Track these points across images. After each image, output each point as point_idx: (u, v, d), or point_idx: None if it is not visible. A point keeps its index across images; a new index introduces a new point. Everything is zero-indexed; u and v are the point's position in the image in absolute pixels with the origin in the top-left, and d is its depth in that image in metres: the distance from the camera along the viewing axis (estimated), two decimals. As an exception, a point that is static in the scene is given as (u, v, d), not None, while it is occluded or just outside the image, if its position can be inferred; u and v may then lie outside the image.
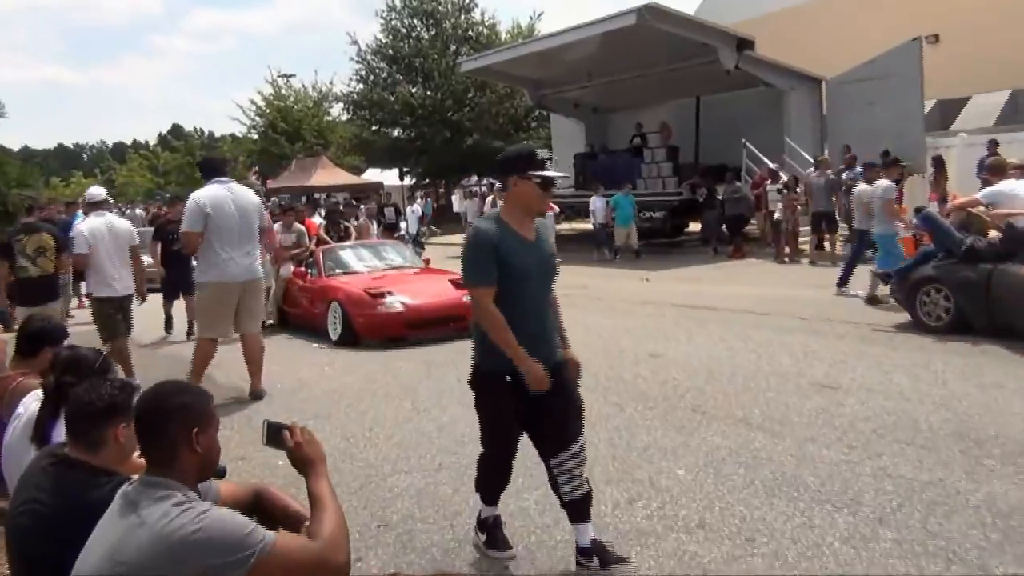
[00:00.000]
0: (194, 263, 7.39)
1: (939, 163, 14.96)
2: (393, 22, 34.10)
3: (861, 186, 10.65)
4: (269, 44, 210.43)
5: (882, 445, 4.94)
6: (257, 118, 38.15)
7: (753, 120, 18.66)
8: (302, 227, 11.84)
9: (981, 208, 8.15)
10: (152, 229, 12.57)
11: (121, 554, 1.94)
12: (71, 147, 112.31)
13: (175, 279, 10.66)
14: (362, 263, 10.92)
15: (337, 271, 10.62)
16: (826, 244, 14.78)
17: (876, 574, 3.42)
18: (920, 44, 15.81)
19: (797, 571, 3.49)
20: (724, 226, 17.17)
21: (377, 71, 34.55)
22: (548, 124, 28.96)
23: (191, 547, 1.91)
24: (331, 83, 40.24)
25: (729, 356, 7.56)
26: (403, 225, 21.76)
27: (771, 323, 9.19)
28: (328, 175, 30.69)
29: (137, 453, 2.27)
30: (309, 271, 10.89)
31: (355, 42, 34.59)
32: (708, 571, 3.53)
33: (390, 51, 33.89)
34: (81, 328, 9.03)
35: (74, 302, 12.57)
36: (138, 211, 28.45)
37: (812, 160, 15.77)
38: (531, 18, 38.62)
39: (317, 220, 13.58)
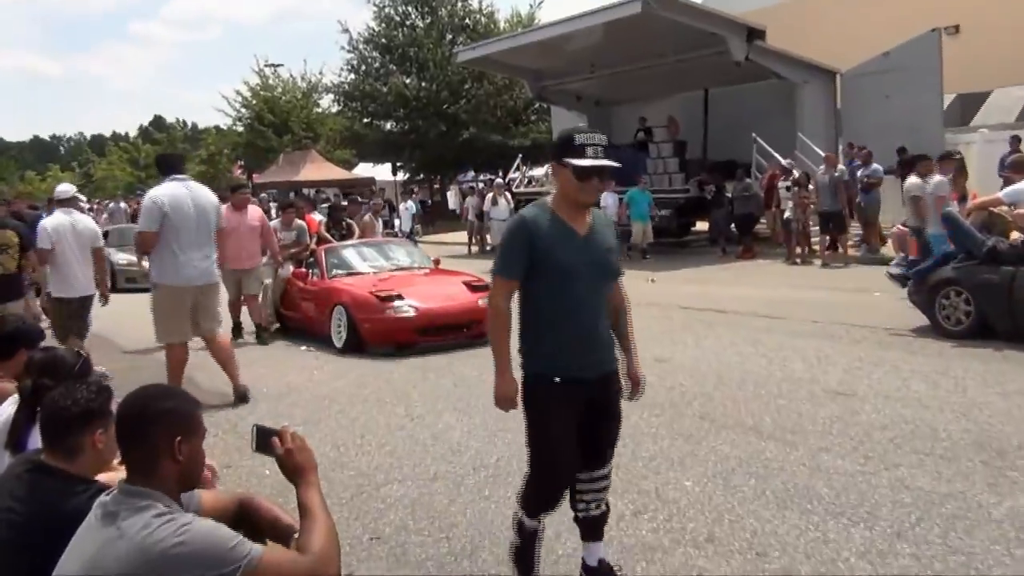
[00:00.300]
0: (145, 264, 7.44)
1: (959, 161, 14.94)
2: (386, 9, 34.09)
3: (913, 180, 10.34)
4: (256, 33, 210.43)
5: (900, 455, 4.93)
6: (243, 109, 38.10)
7: (764, 114, 18.67)
8: (303, 223, 11.54)
9: (1003, 208, 8.15)
10: (135, 225, 12.54)
11: (99, 567, 1.92)
12: (47, 139, 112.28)
13: None
14: (367, 263, 10.59)
15: (340, 272, 10.28)
16: (838, 245, 14.79)
17: (894, 591, 3.42)
18: (939, 35, 15.84)
19: (811, 588, 3.48)
20: (733, 225, 17.18)
21: (369, 61, 34.54)
22: (549, 117, 28.97)
23: (172, 561, 1.89)
24: (321, 73, 40.18)
25: (739, 361, 7.56)
26: (396, 223, 21.77)
27: (783, 326, 9.20)
28: (317, 170, 30.69)
29: (117, 460, 2.25)
30: (311, 272, 10.58)
31: (346, 30, 34.59)
32: (717, 587, 3.52)
33: (383, 40, 33.88)
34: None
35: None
36: (121, 204, 28.41)
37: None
38: (531, 6, 38.81)
39: (317, 217, 13.43)
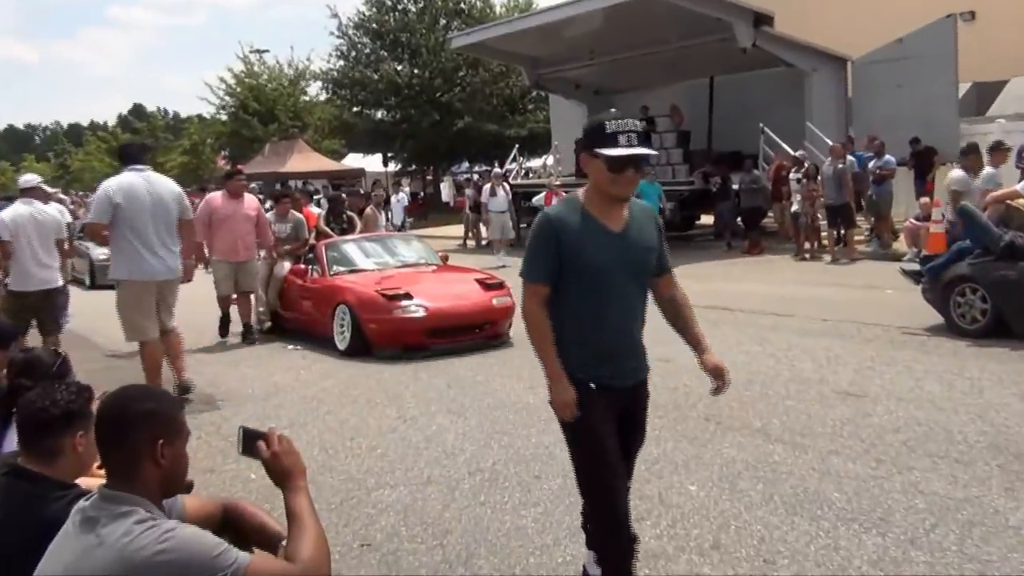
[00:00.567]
0: (103, 253, 7.38)
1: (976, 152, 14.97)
2: (377, -7, 34.10)
3: (956, 172, 10.26)
4: (241, 17, 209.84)
5: (913, 459, 4.94)
6: (227, 97, 38.01)
7: (771, 103, 18.67)
8: (300, 216, 11.27)
9: (1021, 201, 8.16)
10: None
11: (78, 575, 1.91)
12: (22, 128, 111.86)
13: None
14: (371, 259, 10.29)
15: (342, 268, 9.98)
16: (844, 241, 14.77)
17: (908, 600, 3.43)
18: (954, 21, 15.83)
19: (821, 597, 3.49)
20: (739, 219, 17.18)
21: (359, 47, 34.53)
22: (547, 106, 28.98)
23: (155, 569, 1.89)
24: (308, 60, 40.08)
25: (745, 361, 7.56)
26: (387, 215, 21.72)
27: (791, 325, 9.21)
28: (304, 160, 30.68)
29: (97, 464, 2.24)
30: (310, 268, 10.27)
31: (335, 15, 34.77)
32: (724, 596, 3.53)
33: (374, 25, 33.87)
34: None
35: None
36: None
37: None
38: (529, -10, 38.63)
39: (315, 210, 13.25)
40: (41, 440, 2.37)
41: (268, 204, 13.42)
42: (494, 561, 3.94)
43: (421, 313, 8.72)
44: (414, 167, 37.48)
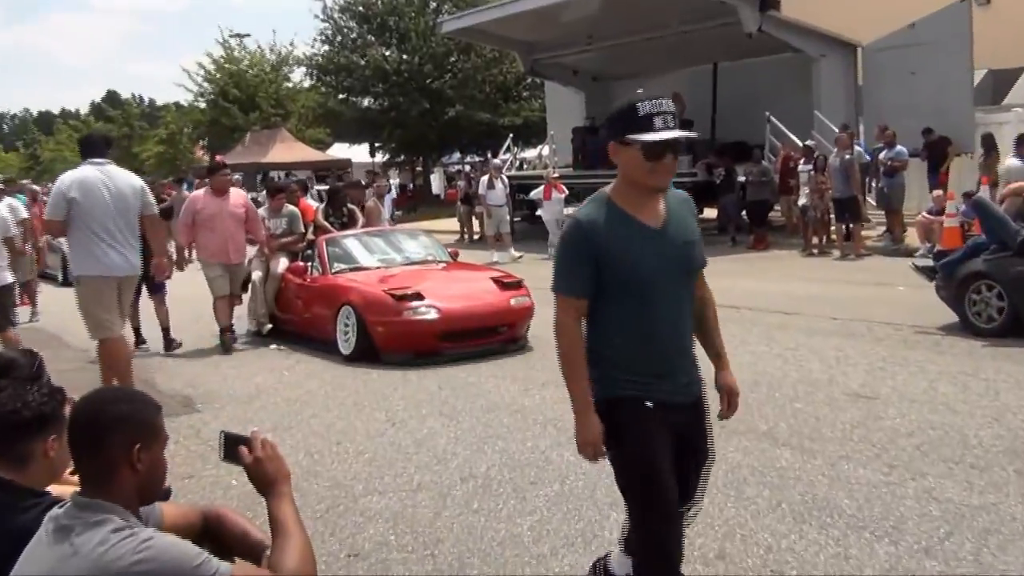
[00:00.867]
0: (64, 245, 7.39)
1: (990, 142, 15.01)
2: (364, -26, 34.05)
3: (1012, 162, 10.18)
4: (222, 2, 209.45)
5: (926, 464, 4.95)
6: (206, 84, 38.02)
7: (778, 91, 18.69)
8: (295, 210, 10.90)
9: (1040, 193, 8.19)
10: None
11: (51, 587, 1.91)
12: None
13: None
14: (376, 256, 9.92)
15: (344, 266, 9.62)
16: (852, 236, 14.79)
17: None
18: (969, 6, 15.84)
19: (831, 608, 3.50)
20: (744, 212, 17.20)
21: (345, 31, 34.49)
22: (542, 94, 28.96)
23: (132, 581, 1.88)
24: (291, 45, 40.23)
25: (751, 361, 7.57)
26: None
27: (799, 323, 9.23)
28: (287, 150, 30.65)
29: (70, 470, 2.23)
30: (310, 266, 9.90)
31: (320, -3, 34.50)
32: (729, 608, 3.54)
33: (360, 8, 33.82)
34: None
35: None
36: None
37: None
38: (524, -29, 38.57)
39: (312, 203, 12.99)
40: (12, 444, 2.36)
41: (252, 195, 13.35)
42: (487, 571, 3.94)
43: (433, 315, 8.39)
44: (403, 157, 37.44)
